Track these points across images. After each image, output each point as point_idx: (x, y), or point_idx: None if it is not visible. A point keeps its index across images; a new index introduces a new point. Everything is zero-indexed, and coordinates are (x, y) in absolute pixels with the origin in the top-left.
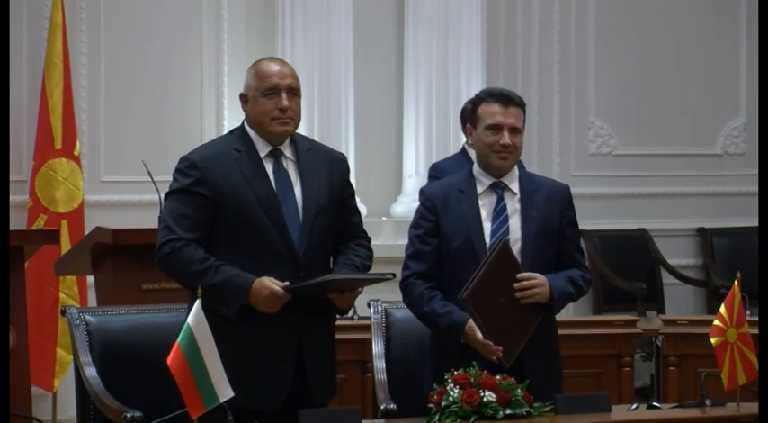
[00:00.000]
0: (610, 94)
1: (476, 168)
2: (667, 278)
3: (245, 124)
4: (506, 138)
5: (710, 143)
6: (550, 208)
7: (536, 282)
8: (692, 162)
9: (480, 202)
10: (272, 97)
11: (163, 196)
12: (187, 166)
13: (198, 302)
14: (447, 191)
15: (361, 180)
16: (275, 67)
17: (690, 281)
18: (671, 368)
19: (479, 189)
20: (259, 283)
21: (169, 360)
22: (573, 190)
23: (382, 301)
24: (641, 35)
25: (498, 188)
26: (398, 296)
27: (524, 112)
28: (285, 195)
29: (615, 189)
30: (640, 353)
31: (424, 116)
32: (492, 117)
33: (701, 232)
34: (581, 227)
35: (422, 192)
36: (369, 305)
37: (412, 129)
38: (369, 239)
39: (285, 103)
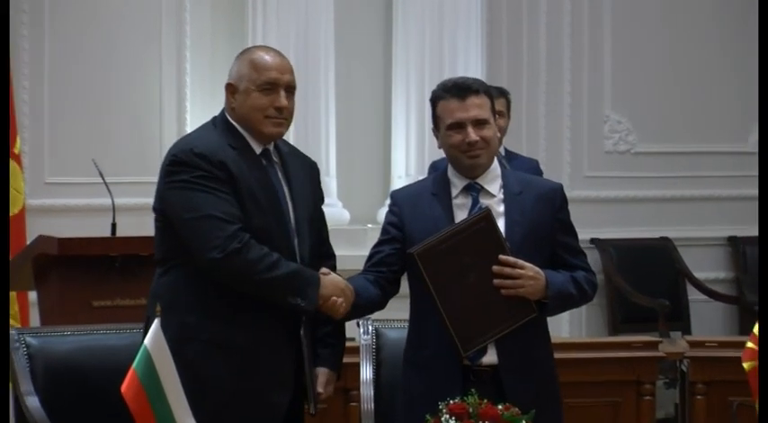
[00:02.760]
0: (628, 84)
1: (450, 169)
2: (694, 294)
3: (229, 117)
4: (471, 134)
5: (742, 140)
6: (540, 211)
7: (523, 272)
8: (722, 161)
9: (455, 207)
10: (268, 93)
11: (165, 191)
12: (196, 155)
13: (157, 322)
14: (418, 195)
15: (344, 183)
16: (275, 60)
17: (719, 297)
18: (698, 397)
19: (453, 192)
20: (328, 276)
21: (123, 388)
22: (585, 193)
23: (373, 320)
24: (665, 17)
25: (473, 190)
26: (390, 314)
27: (491, 98)
28: (282, 202)
29: (634, 192)
30: (663, 379)
31: (416, 110)
32: (451, 115)
33: (733, 241)
34: (594, 235)
35: (391, 195)
36: (358, 325)
37: (401, 124)
38: (334, 257)
39: (284, 101)
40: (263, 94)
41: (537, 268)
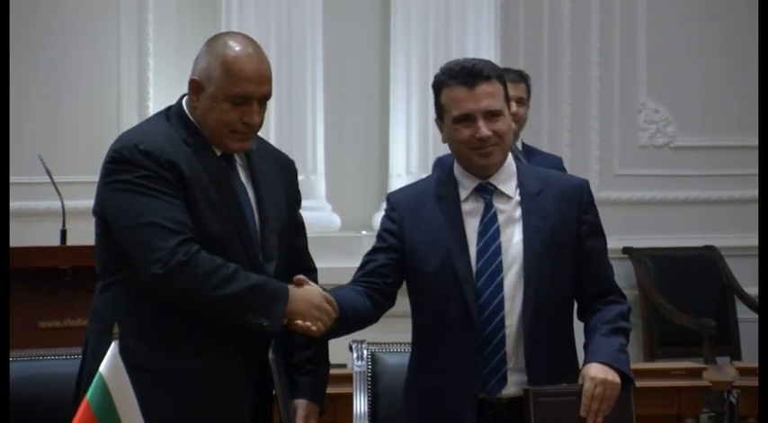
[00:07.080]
0: (667, 67)
1: (457, 167)
2: (744, 312)
3: (187, 111)
4: (482, 129)
5: None
6: (563, 212)
7: (594, 392)
8: None
9: (464, 212)
10: (239, 106)
11: (105, 192)
12: (141, 153)
13: (114, 346)
14: (420, 197)
15: (334, 183)
16: (253, 66)
17: None
18: None
19: (462, 194)
20: (301, 289)
21: (75, 422)
22: (616, 194)
23: (368, 343)
24: None
25: (486, 192)
26: (389, 336)
27: (504, 84)
28: (246, 209)
29: (674, 193)
30: (708, 413)
31: (418, 97)
32: (458, 106)
33: None
34: (627, 243)
35: (388, 199)
36: (350, 348)
37: (401, 114)
38: (315, 271)
39: (256, 118)
40: (233, 106)
41: (592, 373)
